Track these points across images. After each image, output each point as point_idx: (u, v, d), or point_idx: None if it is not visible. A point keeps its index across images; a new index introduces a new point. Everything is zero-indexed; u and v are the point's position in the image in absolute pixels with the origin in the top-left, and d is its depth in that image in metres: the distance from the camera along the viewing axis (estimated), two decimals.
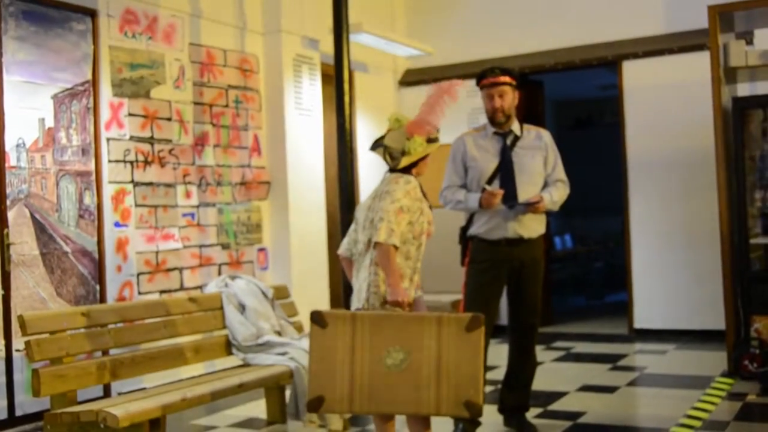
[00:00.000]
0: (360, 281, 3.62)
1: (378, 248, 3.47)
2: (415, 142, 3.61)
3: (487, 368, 4.49)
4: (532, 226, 4.41)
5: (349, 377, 3.18)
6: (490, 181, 4.37)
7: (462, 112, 7.96)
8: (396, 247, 3.45)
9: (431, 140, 3.66)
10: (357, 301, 3.61)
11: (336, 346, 3.20)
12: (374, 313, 3.32)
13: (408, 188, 3.55)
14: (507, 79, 4.38)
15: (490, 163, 4.39)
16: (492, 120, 4.43)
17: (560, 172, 4.55)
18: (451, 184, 4.50)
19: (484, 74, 4.42)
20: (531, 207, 4.31)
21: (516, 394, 4.55)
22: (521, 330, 4.50)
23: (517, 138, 4.45)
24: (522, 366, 4.54)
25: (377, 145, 3.70)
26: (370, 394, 3.18)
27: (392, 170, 3.68)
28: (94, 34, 5.35)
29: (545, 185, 4.50)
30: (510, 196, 4.33)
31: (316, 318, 3.24)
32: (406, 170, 3.67)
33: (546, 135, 4.57)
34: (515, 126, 4.46)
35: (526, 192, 4.36)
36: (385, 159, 3.69)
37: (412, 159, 3.63)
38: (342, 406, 3.22)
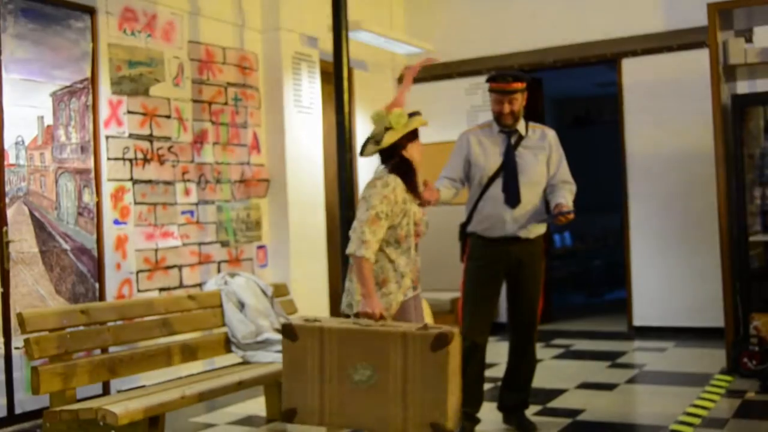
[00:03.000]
0: (346, 283, 3.56)
1: (351, 258, 3.37)
2: (395, 114, 3.45)
3: (485, 365, 4.49)
4: (531, 227, 4.40)
5: (319, 391, 3.15)
6: (492, 181, 4.36)
7: (461, 110, 7.95)
8: (366, 259, 3.31)
9: (413, 114, 3.51)
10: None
11: (305, 360, 3.16)
12: (342, 327, 3.20)
13: (385, 192, 3.38)
14: (519, 86, 4.35)
15: (494, 162, 4.38)
16: (498, 121, 4.42)
17: (565, 173, 4.50)
18: (445, 175, 4.45)
19: (495, 78, 4.38)
20: (563, 216, 4.22)
21: (516, 392, 4.55)
22: (520, 329, 4.50)
23: (521, 137, 4.43)
24: (521, 364, 4.54)
25: (364, 146, 3.56)
26: (340, 409, 3.13)
27: (383, 161, 3.54)
28: (93, 31, 5.34)
29: (548, 186, 4.46)
30: (513, 197, 4.33)
31: (287, 331, 3.21)
32: (397, 154, 3.50)
33: (551, 134, 4.53)
34: (521, 125, 4.45)
35: (527, 193, 4.35)
36: (372, 152, 3.55)
37: (396, 134, 3.46)
38: (313, 419, 3.19)
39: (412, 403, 3.04)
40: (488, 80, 4.42)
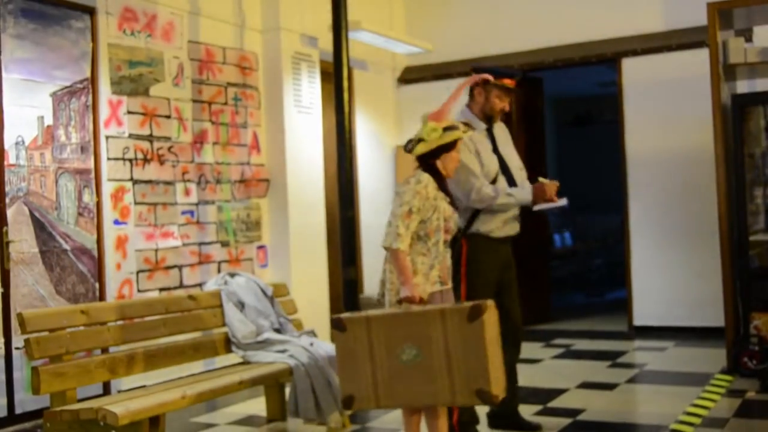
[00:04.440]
0: (381, 274, 3.77)
1: (387, 251, 3.61)
2: (428, 126, 3.65)
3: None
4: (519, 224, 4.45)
5: (371, 375, 3.37)
6: (494, 181, 4.30)
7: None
8: (401, 250, 3.53)
9: (448, 128, 3.66)
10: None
11: (356, 348, 3.39)
12: (385, 314, 3.45)
13: (418, 188, 3.60)
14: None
15: (493, 160, 4.33)
16: (490, 118, 4.38)
17: (519, 159, 4.55)
18: (484, 180, 4.26)
19: (511, 74, 4.34)
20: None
21: (515, 393, 4.50)
22: (512, 330, 4.38)
23: (493, 132, 4.43)
24: (514, 365, 4.47)
25: (409, 142, 3.76)
26: (392, 390, 3.36)
27: (419, 164, 3.73)
28: (92, 31, 5.34)
29: None
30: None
31: (336, 323, 3.44)
32: (427, 163, 3.69)
33: (505, 126, 4.57)
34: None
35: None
36: (406, 147, 3.76)
37: (427, 146, 3.66)
38: (369, 403, 3.42)
39: (457, 374, 3.26)
40: (499, 74, 4.32)
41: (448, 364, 3.27)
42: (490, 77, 4.25)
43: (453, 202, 3.80)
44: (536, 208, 4.33)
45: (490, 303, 3.33)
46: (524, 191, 4.26)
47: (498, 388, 3.28)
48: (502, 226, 4.31)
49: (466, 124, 3.83)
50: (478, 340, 3.23)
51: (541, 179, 4.32)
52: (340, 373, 3.47)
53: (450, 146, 3.71)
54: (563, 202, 4.29)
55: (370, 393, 3.37)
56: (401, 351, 3.32)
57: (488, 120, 4.38)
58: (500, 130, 4.49)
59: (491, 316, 3.31)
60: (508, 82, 4.31)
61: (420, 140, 3.68)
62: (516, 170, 4.41)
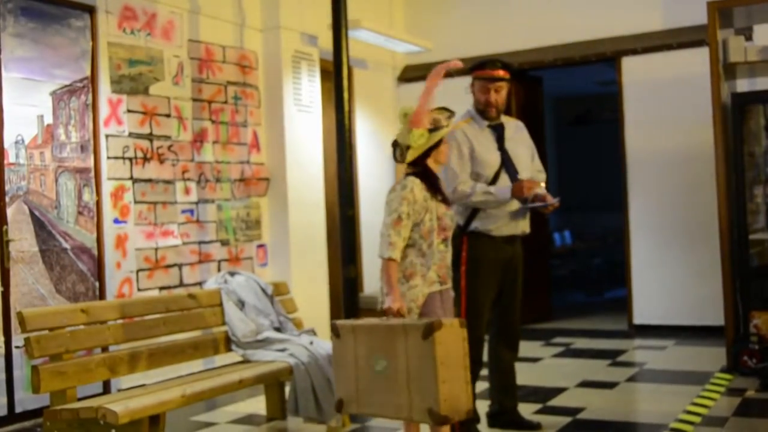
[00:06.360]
0: (380, 281, 3.75)
1: (382, 261, 3.59)
2: (415, 135, 3.61)
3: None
4: (528, 223, 4.39)
5: (354, 381, 3.43)
6: (497, 176, 4.28)
7: (460, 109, 7.89)
8: (393, 260, 3.52)
9: (434, 129, 3.63)
10: None
11: (346, 354, 3.47)
12: (367, 324, 3.48)
13: (404, 194, 3.57)
14: (506, 74, 4.32)
15: (494, 157, 4.29)
16: (483, 113, 4.35)
17: (539, 162, 4.55)
18: (464, 178, 4.26)
19: (483, 65, 4.32)
20: (549, 207, 4.22)
21: (512, 392, 4.49)
22: (510, 330, 4.40)
23: (504, 130, 4.38)
24: (513, 364, 4.47)
25: (394, 150, 3.72)
26: (368, 397, 3.40)
27: (408, 165, 3.69)
28: (92, 30, 5.34)
29: None
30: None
31: (333, 329, 3.53)
32: (420, 164, 3.66)
33: (522, 124, 4.54)
34: (502, 117, 4.42)
35: None
36: (395, 156, 3.71)
37: (417, 152, 3.63)
38: (353, 407, 3.48)
39: (414, 390, 3.25)
40: (475, 68, 4.34)
41: (407, 380, 3.26)
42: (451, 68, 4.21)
43: (446, 199, 3.73)
44: (530, 205, 4.27)
45: (449, 322, 3.27)
46: (503, 189, 4.21)
47: (451, 409, 3.20)
48: (502, 225, 4.27)
49: (446, 109, 3.75)
50: (430, 358, 3.18)
51: (521, 177, 4.29)
52: (335, 376, 3.55)
53: (438, 143, 3.67)
54: (555, 200, 4.23)
55: (353, 397, 3.44)
56: (375, 361, 3.36)
57: (482, 114, 4.36)
58: (513, 128, 4.45)
59: (448, 335, 3.23)
60: (482, 73, 4.30)
61: (408, 147, 3.64)
62: (524, 170, 4.34)
